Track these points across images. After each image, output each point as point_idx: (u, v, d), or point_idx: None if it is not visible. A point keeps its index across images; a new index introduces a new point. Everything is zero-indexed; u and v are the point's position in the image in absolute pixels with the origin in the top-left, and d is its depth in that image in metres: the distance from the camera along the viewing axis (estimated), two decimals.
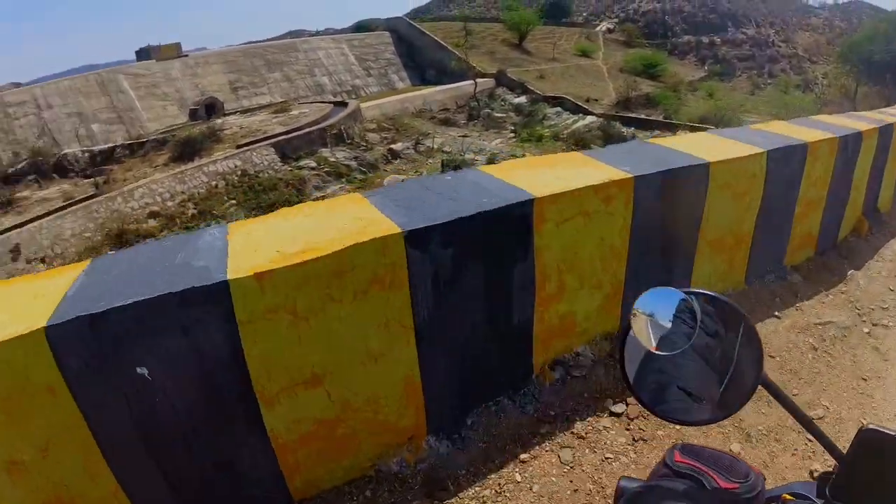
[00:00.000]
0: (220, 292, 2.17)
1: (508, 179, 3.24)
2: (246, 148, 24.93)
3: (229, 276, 2.18)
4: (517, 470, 2.91)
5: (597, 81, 47.07)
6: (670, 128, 34.61)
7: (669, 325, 1.03)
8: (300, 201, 22.65)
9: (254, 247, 2.47)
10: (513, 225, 2.95)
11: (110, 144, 28.11)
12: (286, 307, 2.33)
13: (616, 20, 71.88)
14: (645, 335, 1.03)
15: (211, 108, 35.19)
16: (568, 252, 3.27)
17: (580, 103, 39.48)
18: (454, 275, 2.79)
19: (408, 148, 29.01)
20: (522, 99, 40.82)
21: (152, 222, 20.82)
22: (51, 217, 20.43)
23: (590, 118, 37.26)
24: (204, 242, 2.58)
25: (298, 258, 2.30)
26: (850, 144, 5.12)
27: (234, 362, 2.30)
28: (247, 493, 2.59)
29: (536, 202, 2.95)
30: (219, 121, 30.08)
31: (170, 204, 21.57)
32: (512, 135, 33.88)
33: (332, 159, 25.88)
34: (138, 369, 2.12)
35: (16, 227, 20.13)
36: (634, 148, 4.38)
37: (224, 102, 36.39)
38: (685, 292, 1.04)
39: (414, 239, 2.55)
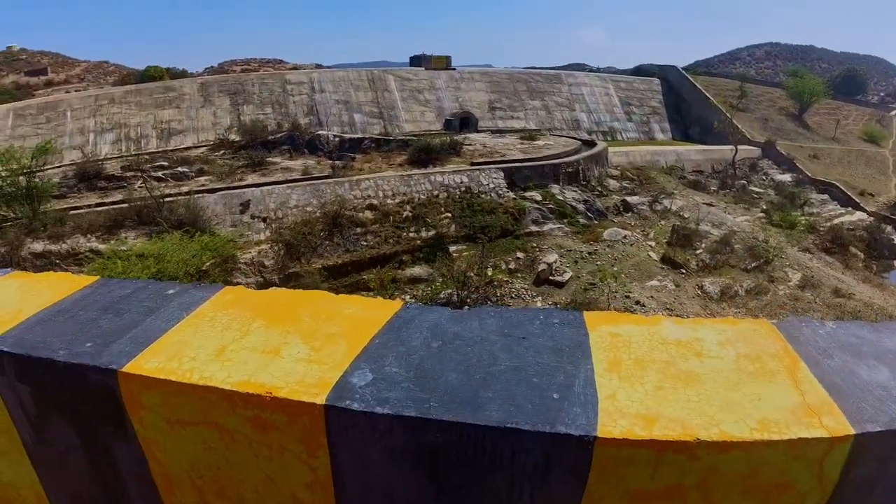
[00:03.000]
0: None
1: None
2: (477, 166, 24.73)
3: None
4: None
5: (878, 174, 41.09)
6: None
7: None
8: (514, 231, 21.94)
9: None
10: None
11: (360, 135, 29.69)
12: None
13: None
14: None
15: (465, 122, 36.25)
16: None
17: (852, 195, 34.59)
18: None
19: (643, 203, 27.02)
20: (787, 177, 36.80)
21: (368, 213, 21.31)
22: (284, 185, 21.83)
23: (858, 214, 32.46)
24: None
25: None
26: None
27: None
28: None
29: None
30: (462, 136, 30.39)
31: (389, 202, 21.94)
32: (762, 214, 30.29)
33: (560, 197, 24.74)
34: None
35: (254, 185, 21.99)
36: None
37: (479, 119, 37.34)
38: None
39: None
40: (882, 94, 69.95)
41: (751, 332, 1.99)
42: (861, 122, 52.04)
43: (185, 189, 21.58)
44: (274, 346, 1.79)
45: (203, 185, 22.21)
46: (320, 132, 29.15)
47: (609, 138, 40.06)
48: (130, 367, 1.76)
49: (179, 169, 24.14)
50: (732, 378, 1.73)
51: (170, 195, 20.33)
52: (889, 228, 29.98)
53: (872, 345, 1.97)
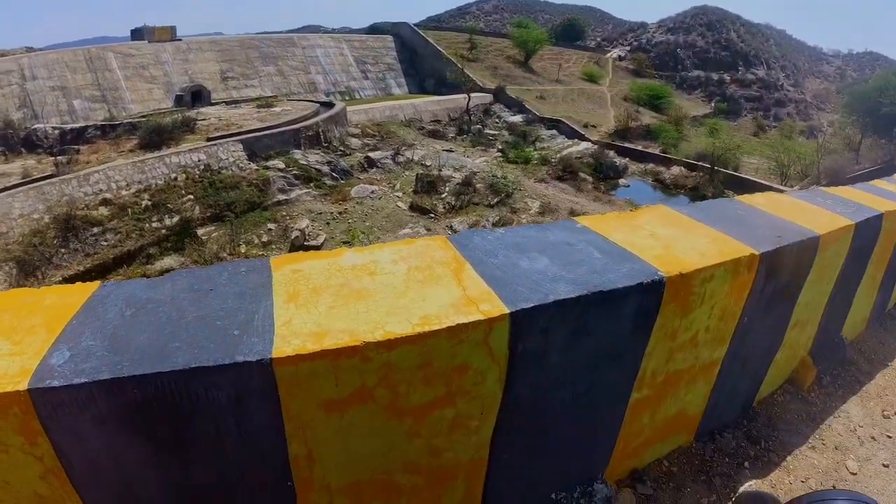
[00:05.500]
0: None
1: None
2: (214, 142, 24.46)
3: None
4: None
5: (599, 108, 47.01)
6: (666, 162, 34.55)
7: None
8: (262, 203, 22.32)
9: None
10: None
11: (82, 124, 27.63)
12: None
13: (628, 48, 72.24)
14: None
15: (197, 96, 34.81)
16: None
17: (577, 128, 39.30)
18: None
19: (386, 157, 28.60)
20: (518, 118, 40.52)
21: (103, 210, 20.38)
22: (3, 194, 19.98)
23: (584, 144, 37.01)
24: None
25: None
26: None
27: None
28: None
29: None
30: (195, 111, 29.59)
31: (124, 193, 21.09)
32: (499, 153, 33.45)
33: (304, 162, 25.41)
34: None
35: None
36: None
37: (212, 92, 36.00)
38: None
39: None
40: (599, 39, 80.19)
41: (424, 247, 2.34)
42: (581, 65, 58.66)
43: None
44: None
45: None
46: (37, 126, 26.55)
47: (347, 98, 40.84)
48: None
49: None
50: (401, 288, 2.04)
51: None
52: (612, 153, 34.82)
53: (537, 241, 2.43)
